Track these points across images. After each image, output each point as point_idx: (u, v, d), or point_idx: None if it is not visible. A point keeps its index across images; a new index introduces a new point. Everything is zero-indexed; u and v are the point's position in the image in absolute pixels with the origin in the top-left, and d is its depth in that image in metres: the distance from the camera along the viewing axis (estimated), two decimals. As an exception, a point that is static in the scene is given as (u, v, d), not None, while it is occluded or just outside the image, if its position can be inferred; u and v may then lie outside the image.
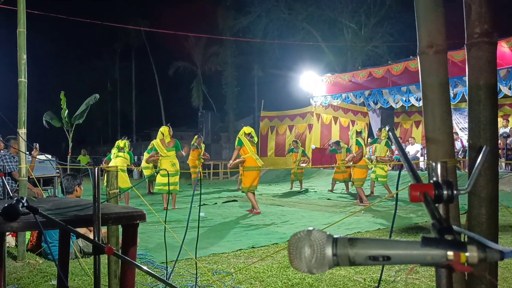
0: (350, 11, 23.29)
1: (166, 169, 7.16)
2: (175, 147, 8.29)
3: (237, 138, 7.92)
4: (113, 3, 30.38)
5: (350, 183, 10.94)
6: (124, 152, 8.82)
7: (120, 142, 8.89)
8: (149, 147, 13.21)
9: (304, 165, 12.50)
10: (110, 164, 8.56)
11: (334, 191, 11.55)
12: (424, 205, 0.77)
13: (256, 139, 8.05)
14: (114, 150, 8.88)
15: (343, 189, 11.71)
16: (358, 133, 9.02)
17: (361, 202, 8.76)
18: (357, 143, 8.91)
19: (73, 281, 3.55)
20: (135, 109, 34.23)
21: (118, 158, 8.66)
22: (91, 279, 3.54)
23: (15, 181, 5.63)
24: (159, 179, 8.30)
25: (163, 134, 8.32)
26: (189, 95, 30.92)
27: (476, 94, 1.74)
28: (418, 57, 1.81)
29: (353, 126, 18.12)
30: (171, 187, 8.06)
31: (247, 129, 7.99)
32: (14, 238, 4.71)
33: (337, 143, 11.71)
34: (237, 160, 7.84)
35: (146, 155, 12.59)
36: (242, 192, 8.32)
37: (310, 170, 15.11)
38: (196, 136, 12.67)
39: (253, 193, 7.77)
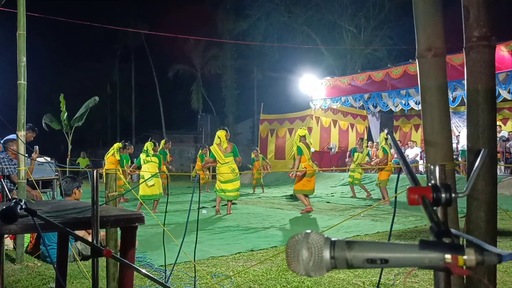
0: (349, 15, 23.33)
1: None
2: (232, 152, 7.73)
3: (295, 146, 7.80)
4: (112, 5, 30.39)
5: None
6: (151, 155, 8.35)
7: (149, 145, 8.38)
8: (200, 152, 13.54)
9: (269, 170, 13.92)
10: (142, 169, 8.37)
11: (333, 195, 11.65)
12: (422, 208, 0.77)
13: (310, 140, 7.89)
14: (142, 155, 8.37)
15: (349, 192, 11.85)
16: (386, 140, 9.22)
17: (383, 200, 9.04)
18: (384, 150, 9.16)
19: (72, 284, 3.54)
20: (134, 111, 34.20)
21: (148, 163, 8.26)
22: (89, 282, 3.53)
23: (14, 184, 5.62)
24: (228, 186, 7.75)
25: (220, 138, 7.70)
26: (189, 98, 30.95)
27: (474, 98, 1.74)
28: (416, 60, 1.81)
29: (352, 129, 18.21)
30: (233, 194, 7.77)
31: (301, 131, 7.79)
32: (13, 240, 4.71)
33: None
34: (299, 173, 7.67)
35: (199, 161, 13.05)
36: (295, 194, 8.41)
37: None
38: (163, 140, 12.18)
39: (306, 196, 7.90)
